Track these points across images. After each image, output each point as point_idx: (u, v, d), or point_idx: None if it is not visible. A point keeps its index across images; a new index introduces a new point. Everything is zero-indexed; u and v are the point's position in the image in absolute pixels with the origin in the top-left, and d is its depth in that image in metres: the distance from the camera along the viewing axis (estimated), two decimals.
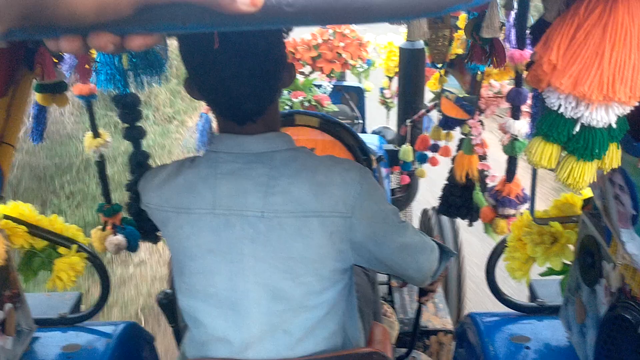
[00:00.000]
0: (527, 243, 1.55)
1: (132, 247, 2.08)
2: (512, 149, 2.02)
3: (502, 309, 1.83)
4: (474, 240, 3.94)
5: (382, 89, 4.16)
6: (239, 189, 1.16)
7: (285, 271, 1.17)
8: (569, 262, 1.57)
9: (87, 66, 1.83)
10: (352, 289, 1.36)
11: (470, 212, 2.33)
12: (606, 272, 1.32)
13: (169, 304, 1.71)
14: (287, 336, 1.22)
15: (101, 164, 2.05)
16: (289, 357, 1.22)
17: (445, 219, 3.25)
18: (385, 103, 4.14)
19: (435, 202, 3.45)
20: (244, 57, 1.10)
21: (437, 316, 2.73)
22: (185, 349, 1.35)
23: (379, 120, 4.38)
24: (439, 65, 2.35)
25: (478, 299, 3.69)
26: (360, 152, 2.32)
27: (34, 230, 1.64)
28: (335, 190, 1.16)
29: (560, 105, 0.81)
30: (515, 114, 2.04)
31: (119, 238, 2.00)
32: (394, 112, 4.26)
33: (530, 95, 1.97)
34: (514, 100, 2.00)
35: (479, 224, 2.44)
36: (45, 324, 1.77)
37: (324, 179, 1.16)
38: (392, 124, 4.06)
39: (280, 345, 1.22)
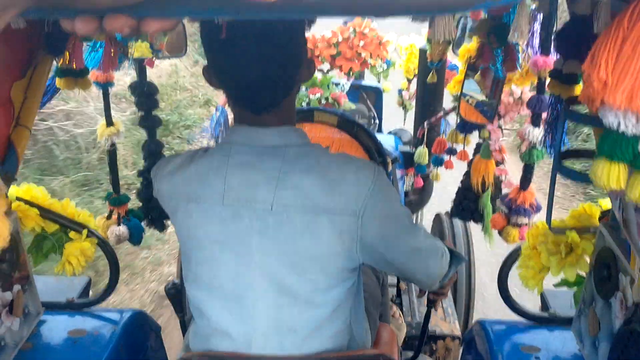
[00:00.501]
0: (542, 252, 1.52)
1: (134, 240, 2.08)
2: (529, 157, 2.00)
3: (509, 317, 1.80)
4: (484, 247, 3.91)
5: (400, 90, 4.13)
6: (249, 181, 1.15)
7: (292, 266, 1.16)
8: (583, 274, 1.54)
9: (112, 54, 1.83)
10: (359, 288, 1.34)
11: (484, 216, 2.31)
12: (623, 285, 1.29)
13: (176, 294, 1.70)
14: (292, 333, 1.20)
15: (112, 153, 2.05)
16: (294, 354, 1.21)
17: (458, 224, 3.22)
18: (403, 104, 4.11)
19: (446, 207, 3.45)
20: (264, 45, 1.09)
21: (445, 321, 2.70)
22: (190, 340, 1.34)
23: (395, 121, 4.35)
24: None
25: (486, 306, 3.66)
26: (376, 154, 2.30)
27: (46, 213, 1.64)
28: (347, 188, 1.14)
29: (619, 123, 0.78)
30: (536, 121, 2.01)
31: (122, 229, 2.00)
32: (410, 114, 4.24)
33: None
34: (535, 108, 1.98)
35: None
36: (52, 307, 1.77)
37: (336, 177, 1.15)
38: (409, 126, 4.03)
39: (285, 341, 1.21)
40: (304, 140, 1.20)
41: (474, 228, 3.08)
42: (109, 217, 2.09)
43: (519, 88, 2.26)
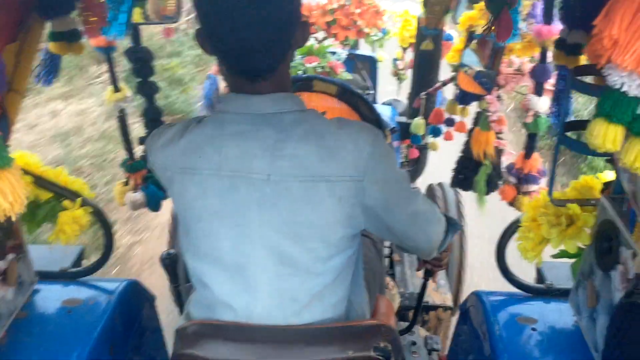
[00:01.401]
0: (543, 224, 1.51)
1: (152, 206, 2.07)
2: (535, 126, 1.99)
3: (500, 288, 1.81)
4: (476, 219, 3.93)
5: (395, 59, 4.08)
6: (245, 151, 1.13)
7: (292, 236, 1.15)
8: (582, 246, 1.54)
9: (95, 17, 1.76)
10: (359, 258, 1.34)
11: (487, 186, 2.30)
12: (624, 258, 1.29)
13: (171, 264, 1.68)
14: (293, 302, 1.20)
15: (122, 119, 2.02)
16: (295, 323, 1.21)
17: (451, 195, 3.22)
18: (397, 74, 4.06)
19: (440, 178, 3.44)
20: (259, 7, 1.06)
21: (437, 292, 2.72)
22: (190, 308, 1.33)
23: (389, 91, 4.31)
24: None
25: (477, 277, 3.69)
26: (375, 125, 2.27)
27: (39, 181, 1.61)
28: (345, 153, 1.13)
29: (623, 84, 0.77)
30: (539, 90, 2.00)
31: (138, 196, 1.99)
32: (404, 84, 4.20)
33: (554, 73, 1.93)
34: (538, 77, 1.97)
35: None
36: (46, 276, 1.75)
37: (333, 143, 1.13)
38: (403, 96, 3.99)
39: (287, 310, 1.20)
40: (299, 106, 1.18)
41: (466, 199, 3.08)
42: (126, 183, 2.07)
43: (519, 58, 2.23)
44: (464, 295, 2.28)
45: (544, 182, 2.14)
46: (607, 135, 0.83)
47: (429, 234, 1.30)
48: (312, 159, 1.11)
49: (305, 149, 1.12)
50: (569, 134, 1.46)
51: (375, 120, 2.26)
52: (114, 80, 2.01)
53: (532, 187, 2.10)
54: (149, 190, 2.13)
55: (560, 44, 1.69)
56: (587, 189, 1.53)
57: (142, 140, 2.29)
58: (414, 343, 2.29)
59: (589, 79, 1.45)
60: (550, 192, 1.47)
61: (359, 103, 2.26)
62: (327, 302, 1.22)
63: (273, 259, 1.16)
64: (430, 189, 3.44)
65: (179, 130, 1.20)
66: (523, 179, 2.03)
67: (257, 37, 1.08)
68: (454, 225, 1.40)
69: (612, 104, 0.81)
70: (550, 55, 1.93)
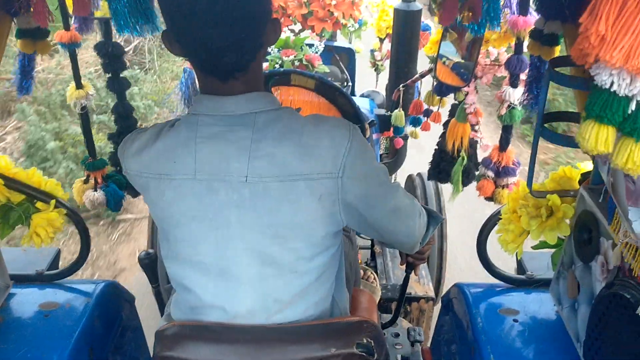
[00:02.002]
0: (523, 216, 1.52)
1: (113, 206, 2.02)
2: (509, 118, 1.99)
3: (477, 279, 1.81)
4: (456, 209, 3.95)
5: (372, 50, 4.06)
6: (221, 154, 1.11)
7: (273, 237, 1.14)
8: (562, 237, 1.55)
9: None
10: (342, 253, 1.33)
11: (462, 179, 2.30)
12: (604, 248, 1.29)
13: (150, 264, 1.65)
14: (276, 302, 1.19)
15: (85, 116, 1.97)
16: (279, 322, 1.20)
17: (430, 185, 3.23)
18: (375, 65, 4.05)
19: (419, 169, 3.44)
20: (226, 5, 1.03)
21: (419, 283, 2.73)
22: (172, 310, 1.31)
23: (367, 83, 4.29)
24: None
25: (457, 269, 3.71)
26: (354, 119, 2.26)
27: (11, 183, 1.57)
28: (323, 151, 1.11)
29: (612, 83, 0.75)
30: (514, 82, 2.00)
31: (97, 195, 1.94)
32: (382, 75, 4.18)
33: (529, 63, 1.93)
34: (514, 68, 1.96)
35: (466, 193, 2.43)
36: (21, 280, 1.71)
37: (310, 140, 1.11)
38: (381, 87, 3.98)
39: (270, 310, 1.19)
40: (273, 104, 1.16)
41: (446, 190, 3.09)
42: (86, 181, 2.02)
43: (496, 49, 2.23)
44: (446, 286, 2.29)
45: (518, 173, 2.14)
46: (598, 137, 0.82)
47: (411, 228, 1.29)
48: (290, 158, 1.10)
49: (282, 149, 1.10)
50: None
51: (354, 113, 2.25)
52: (76, 77, 1.95)
53: (510, 180, 2.10)
54: (109, 189, 2.07)
55: (536, 35, 1.68)
56: (566, 179, 1.53)
57: (110, 137, 2.24)
58: (397, 335, 2.30)
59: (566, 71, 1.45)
60: (529, 184, 1.47)
61: (338, 97, 2.24)
62: (311, 301, 1.22)
63: (255, 260, 1.15)
64: (409, 179, 3.44)
65: (152, 135, 1.18)
66: (501, 172, 2.03)
67: (226, 36, 1.05)
68: (435, 218, 1.40)
69: (602, 104, 0.80)
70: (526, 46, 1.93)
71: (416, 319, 2.73)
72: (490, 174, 2.11)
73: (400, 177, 3.60)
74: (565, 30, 1.52)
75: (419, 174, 3.40)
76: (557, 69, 1.36)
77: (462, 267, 3.64)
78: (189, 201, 1.13)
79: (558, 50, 1.69)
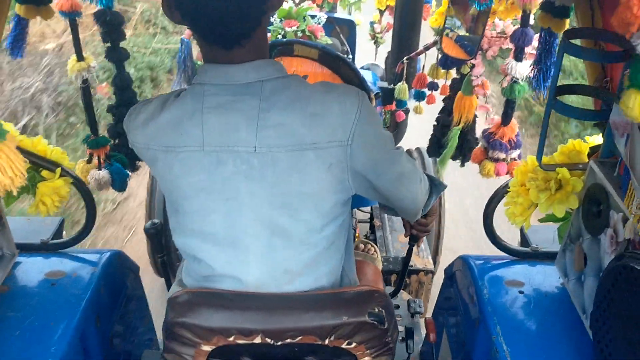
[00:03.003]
0: (531, 189, 1.52)
1: (117, 185, 1.98)
2: (511, 92, 1.98)
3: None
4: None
5: (372, 22, 4.02)
6: (228, 124, 1.10)
7: (283, 207, 1.13)
8: (569, 210, 1.55)
9: None
10: (350, 223, 1.32)
11: (463, 153, 2.30)
12: (614, 221, 1.30)
13: (156, 235, 1.65)
14: (286, 273, 1.19)
15: (86, 90, 1.92)
16: (290, 291, 1.20)
17: (430, 160, 3.23)
18: (375, 38, 4.01)
19: (417, 144, 3.44)
20: None
21: (418, 256, 2.75)
22: (184, 277, 1.30)
23: (366, 56, 4.25)
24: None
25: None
26: (359, 89, 2.24)
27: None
28: (332, 118, 1.10)
29: None
30: (518, 55, 1.98)
31: (102, 173, 1.90)
32: (382, 48, 4.14)
33: (536, 36, 1.92)
34: (519, 41, 1.94)
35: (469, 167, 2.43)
36: (26, 249, 1.70)
37: (319, 109, 1.10)
38: (380, 60, 3.95)
39: (280, 281, 1.19)
40: (280, 72, 1.14)
41: (450, 165, 3.09)
42: (89, 161, 1.98)
43: (502, 21, 2.20)
44: (447, 259, 2.30)
45: (516, 152, 2.12)
46: None
47: (414, 193, 1.29)
48: (298, 126, 1.08)
49: (291, 117, 1.08)
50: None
51: (358, 83, 2.23)
52: (77, 49, 1.90)
53: (499, 155, 2.07)
54: (113, 168, 2.03)
55: (546, 7, 1.67)
56: (575, 153, 1.53)
57: (109, 109, 2.21)
58: (396, 307, 2.32)
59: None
60: (539, 157, 1.47)
61: (342, 66, 2.21)
62: (321, 271, 1.22)
63: (265, 231, 1.14)
64: (408, 154, 3.44)
65: (157, 105, 1.15)
66: (491, 144, 2.02)
67: (228, 2, 1.03)
68: (437, 186, 1.40)
69: None
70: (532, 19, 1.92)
71: (415, 290, 2.76)
72: (484, 143, 2.10)
73: None
74: (576, 2, 1.51)
75: (418, 149, 3.39)
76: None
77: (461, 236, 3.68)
78: (197, 173, 1.12)
79: (568, 23, 1.68)
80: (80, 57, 1.90)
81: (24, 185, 1.51)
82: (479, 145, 2.09)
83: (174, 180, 1.15)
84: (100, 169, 1.97)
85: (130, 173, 2.10)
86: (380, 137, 1.18)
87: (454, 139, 2.22)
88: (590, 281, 1.40)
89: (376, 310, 1.18)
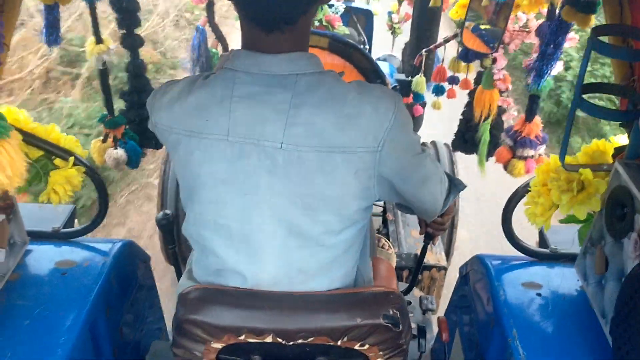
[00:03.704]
0: (553, 189, 1.48)
1: (132, 162, 2.00)
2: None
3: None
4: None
5: (390, 12, 3.97)
6: (256, 116, 1.05)
7: (303, 207, 1.09)
8: (591, 211, 1.51)
9: None
10: (369, 226, 1.29)
11: (489, 148, 2.26)
12: (639, 225, 1.26)
13: (168, 225, 1.63)
14: (300, 273, 1.16)
15: (104, 72, 1.92)
16: (302, 290, 1.17)
17: (445, 154, 3.19)
18: (392, 28, 3.96)
19: (429, 137, 3.39)
20: None
21: (431, 252, 2.71)
22: (194, 269, 1.28)
23: (382, 47, 4.20)
24: None
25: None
26: (373, 75, 2.19)
27: (29, 138, 1.52)
28: (365, 122, 1.05)
29: None
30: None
31: (119, 152, 1.92)
32: (399, 39, 4.10)
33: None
34: (544, 35, 1.89)
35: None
36: (37, 237, 1.69)
37: (352, 110, 1.05)
38: (397, 51, 3.90)
39: (294, 280, 1.16)
40: (317, 67, 1.09)
41: (459, 157, 3.05)
42: (104, 140, 1.99)
43: (525, 15, 2.15)
44: (463, 257, 2.27)
45: (542, 148, 2.09)
46: None
47: (435, 194, 1.25)
48: (329, 127, 1.04)
49: (322, 116, 1.04)
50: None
51: (371, 69, 2.18)
52: (96, 31, 1.90)
53: (529, 152, 2.04)
54: (128, 146, 2.05)
55: (572, 1, 1.62)
56: (599, 153, 1.49)
57: (122, 94, 2.20)
58: (409, 303, 2.29)
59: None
60: (562, 157, 1.43)
61: (353, 53, 2.16)
62: (336, 274, 1.19)
63: (282, 229, 1.11)
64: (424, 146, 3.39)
65: (185, 86, 1.11)
66: (519, 143, 1.98)
67: None
68: (457, 186, 1.36)
69: None
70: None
71: (427, 287, 2.73)
72: (509, 142, 2.06)
73: None
74: None
75: (433, 142, 3.35)
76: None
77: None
78: (219, 163, 1.08)
79: (593, 18, 1.63)
80: (99, 40, 1.91)
81: (34, 174, 1.50)
82: (503, 144, 2.05)
83: (194, 167, 1.11)
84: (116, 148, 1.98)
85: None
86: (411, 142, 1.14)
87: (485, 135, 2.18)
88: (611, 286, 1.37)
89: (391, 312, 1.15)
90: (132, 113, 2.17)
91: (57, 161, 1.57)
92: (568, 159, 1.48)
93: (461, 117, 2.35)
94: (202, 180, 1.11)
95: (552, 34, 1.80)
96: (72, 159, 1.56)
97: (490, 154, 2.27)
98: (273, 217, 1.10)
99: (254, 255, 1.14)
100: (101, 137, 2.02)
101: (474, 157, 2.40)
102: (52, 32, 1.72)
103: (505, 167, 2.07)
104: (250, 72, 1.07)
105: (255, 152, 1.06)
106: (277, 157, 1.06)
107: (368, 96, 1.07)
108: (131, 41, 2.10)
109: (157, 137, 1.20)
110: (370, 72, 2.18)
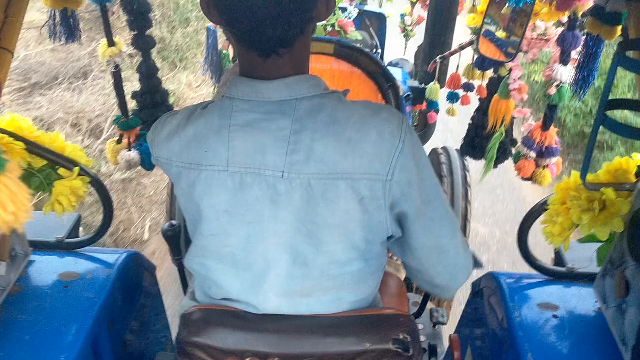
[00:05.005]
0: (572, 208, 1.42)
1: (146, 165, 2.00)
2: (559, 97, 1.89)
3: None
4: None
5: (402, 15, 3.92)
6: (256, 144, 1.01)
7: (308, 236, 1.05)
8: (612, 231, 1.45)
9: None
10: (384, 263, 1.22)
11: (497, 156, 2.21)
12: None
13: (174, 236, 1.60)
14: (305, 297, 1.12)
15: (117, 75, 1.91)
16: (308, 313, 1.13)
17: (456, 160, 3.13)
18: (404, 31, 3.91)
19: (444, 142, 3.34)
20: None
21: None
22: (196, 290, 1.24)
23: (394, 50, 4.15)
24: None
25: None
26: (383, 79, 2.14)
27: (32, 147, 1.48)
28: (369, 147, 1.00)
29: None
30: (565, 59, 1.88)
31: (132, 154, 1.92)
32: (411, 43, 4.04)
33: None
34: (567, 45, 1.84)
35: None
36: (40, 247, 1.65)
37: (354, 135, 1.00)
38: (409, 55, 3.85)
39: (299, 305, 1.12)
40: (317, 90, 1.04)
41: (472, 163, 2.99)
42: (118, 141, 1.98)
43: (544, 23, 2.09)
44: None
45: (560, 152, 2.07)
46: None
47: (450, 249, 1.15)
48: (331, 153, 0.99)
49: (323, 142, 0.99)
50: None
51: (381, 72, 2.12)
52: (108, 34, 1.88)
53: (552, 160, 2.02)
54: (142, 148, 2.05)
55: (596, 12, 1.56)
56: (622, 172, 1.43)
57: (134, 95, 2.19)
58: (418, 314, 2.24)
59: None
60: (583, 175, 1.37)
61: (360, 57, 2.11)
62: (344, 300, 1.14)
63: (286, 257, 1.07)
64: (434, 153, 3.34)
65: (182, 118, 1.08)
66: (545, 153, 1.94)
67: (272, 5, 0.94)
68: (475, 263, 1.28)
69: None
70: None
71: (437, 299, 2.67)
72: (533, 154, 2.02)
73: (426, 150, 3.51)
74: (630, 8, 1.40)
75: (444, 147, 3.29)
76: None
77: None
78: (220, 194, 1.05)
79: (619, 30, 1.57)
80: (111, 42, 1.89)
81: (38, 184, 1.47)
82: (524, 157, 2.01)
83: (196, 199, 1.08)
84: (129, 150, 1.96)
85: None
86: (429, 179, 1.08)
87: (494, 147, 2.14)
88: (632, 312, 1.31)
89: (401, 336, 1.11)
90: (145, 113, 2.18)
91: (62, 170, 1.54)
92: (589, 176, 1.42)
93: (470, 121, 2.30)
94: (205, 213, 1.08)
95: (587, 45, 1.75)
96: (76, 169, 1.53)
97: (498, 160, 2.24)
98: (278, 244, 1.06)
99: (258, 283, 1.10)
100: (116, 138, 2.02)
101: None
102: (69, 29, 1.73)
103: (529, 179, 2.03)
104: (248, 99, 1.03)
105: (257, 181, 1.03)
106: (279, 186, 1.02)
107: (372, 119, 1.02)
108: (143, 42, 2.09)
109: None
110: (379, 76, 2.13)
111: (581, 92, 1.80)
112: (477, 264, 1.29)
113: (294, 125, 1.00)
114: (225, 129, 1.03)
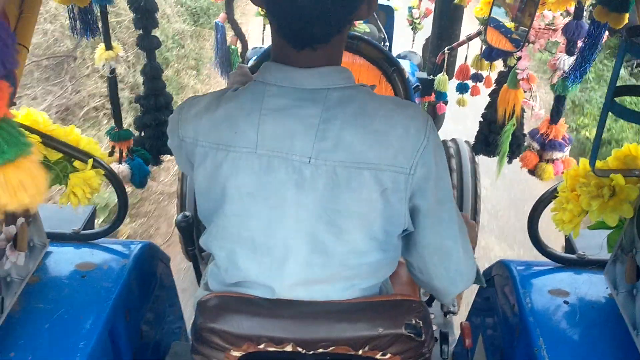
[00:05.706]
0: (582, 195, 1.43)
1: (137, 182, 1.95)
2: (562, 87, 1.89)
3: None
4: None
5: (410, 8, 3.92)
6: (286, 130, 1.04)
7: (329, 223, 1.07)
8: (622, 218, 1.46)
9: None
10: (399, 256, 1.24)
11: (511, 150, 2.21)
12: None
13: (188, 227, 1.62)
14: (321, 283, 1.14)
15: (113, 81, 1.88)
16: (322, 299, 1.15)
17: (466, 152, 3.13)
18: (412, 24, 3.91)
19: (452, 134, 3.34)
20: None
21: None
22: (209, 280, 1.26)
23: (402, 43, 4.15)
24: None
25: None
26: (387, 64, 2.14)
27: (48, 140, 1.51)
28: (394, 140, 1.03)
29: None
30: (570, 49, 1.89)
31: (122, 167, 1.87)
32: (419, 35, 4.04)
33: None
34: (572, 34, 1.84)
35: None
36: (57, 238, 1.68)
37: (381, 127, 1.03)
38: (417, 47, 3.85)
39: (314, 291, 1.14)
40: (348, 82, 1.07)
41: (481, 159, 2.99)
42: (110, 153, 1.95)
43: (552, 12, 2.10)
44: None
45: (568, 150, 2.04)
46: None
47: (454, 253, 1.18)
48: (358, 143, 1.02)
49: (352, 131, 1.02)
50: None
51: (384, 58, 2.13)
52: (106, 37, 1.86)
53: (557, 155, 2.00)
54: (135, 163, 2.00)
55: (604, 0, 1.57)
56: (631, 158, 1.44)
57: (137, 99, 2.17)
58: (429, 303, 2.26)
59: None
60: (592, 162, 1.38)
61: (362, 46, 2.12)
62: (358, 287, 1.16)
63: (306, 245, 1.09)
64: (443, 145, 3.34)
65: (213, 99, 1.10)
66: (547, 146, 1.93)
67: (318, 4, 0.96)
68: (477, 279, 1.30)
69: None
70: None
71: None
72: (536, 145, 2.02)
73: None
74: None
75: (453, 140, 3.30)
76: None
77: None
78: (245, 176, 1.07)
79: (626, 18, 1.57)
80: (108, 46, 1.87)
81: (54, 176, 1.49)
82: (528, 148, 2.00)
83: (221, 180, 1.09)
84: (121, 163, 1.94)
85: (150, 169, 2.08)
86: (445, 181, 1.12)
87: (507, 139, 2.14)
88: None
89: (413, 321, 1.12)
90: (149, 117, 2.14)
91: (77, 163, 1.56)
92: (599, 163, 1.43)
93: (481, 119, 2.30)
94: (229, 193, 1.09)
95: (590, 34, 1.75)
96: (90, 161, 1.55)
97: (514, 154, 2.23)
98: (298, 231, 1.08)
99: (276, 268, 1.12)
100: (108, 151, 1.98)
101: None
102: (86, 25, 1.73)
103: (532, 172, 2.02)
104: (281, 85, 1.05)
105: (284, 165, 1.05)
106: (305, 171, 1.04)
107: (399, 115, 1.05)
108: (148, 42, 2.08)
109: (176, 154, 1.20)
110: (382, 61, 2.13)
111: (578, 79, 1.81)
112: (479, 280, 1.31)
113: (324, 113, 1.03)
114: (256, 112, 1.05)
